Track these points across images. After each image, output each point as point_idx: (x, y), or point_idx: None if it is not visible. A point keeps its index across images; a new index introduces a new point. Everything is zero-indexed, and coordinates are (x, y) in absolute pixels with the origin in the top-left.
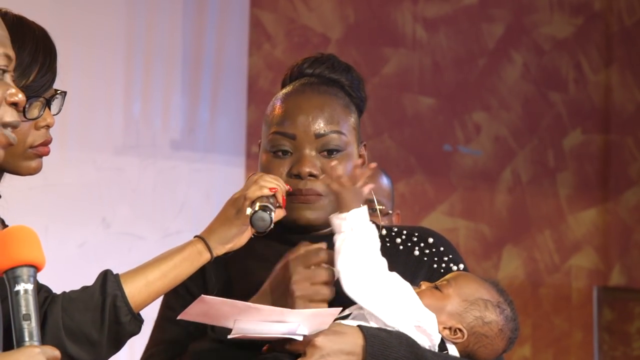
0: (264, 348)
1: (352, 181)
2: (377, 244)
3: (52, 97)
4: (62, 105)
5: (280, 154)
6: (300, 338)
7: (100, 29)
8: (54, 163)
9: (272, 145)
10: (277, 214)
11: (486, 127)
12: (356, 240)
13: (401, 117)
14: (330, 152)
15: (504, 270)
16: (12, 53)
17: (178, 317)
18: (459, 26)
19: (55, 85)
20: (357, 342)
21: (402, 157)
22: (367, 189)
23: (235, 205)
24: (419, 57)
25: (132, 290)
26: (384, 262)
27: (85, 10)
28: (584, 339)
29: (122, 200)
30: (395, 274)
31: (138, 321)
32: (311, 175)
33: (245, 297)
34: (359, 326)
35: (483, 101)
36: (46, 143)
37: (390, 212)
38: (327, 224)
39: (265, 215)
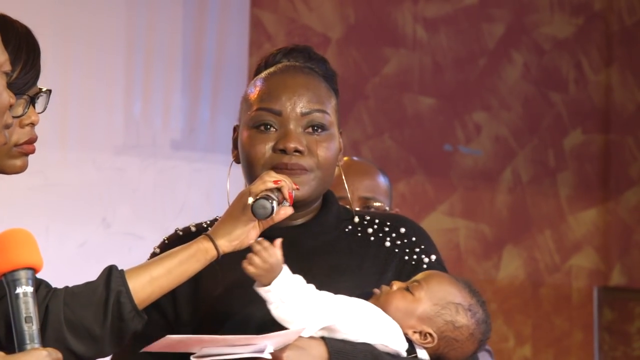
0: None
1: (262, 259)
2: (310, 290)
3: (37, 95)
4: (47, 103)
5: (263, 128)
6: (269, 357)
7: (100, 29)
8: (54, 163)
9: (256, 121)
10: (285, 211)
11: (486, 127)
12: (290, 306)
13: (401, 117)
14: (315, 129)
15: (505, 270)
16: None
17: (142, 350)
18: (459, 26)
19: (56, 85)
20: (322, 355)
21: (403, 157)
22: (279, 256)
23: (241, 202)
24: (419, 57)
25: (136, 286)
26: (326, 296)
27: (85, 10)
28: (584, 339)
29: (123, 200)
30: (342, 297)
31: (141, 318)
32: (297, 151)
33: (211, 295)
34: (323, 339)
35: (483, 101)
36: (31, 141)
37: (388, 208)
38: (311, 200)
39: (266, 203)
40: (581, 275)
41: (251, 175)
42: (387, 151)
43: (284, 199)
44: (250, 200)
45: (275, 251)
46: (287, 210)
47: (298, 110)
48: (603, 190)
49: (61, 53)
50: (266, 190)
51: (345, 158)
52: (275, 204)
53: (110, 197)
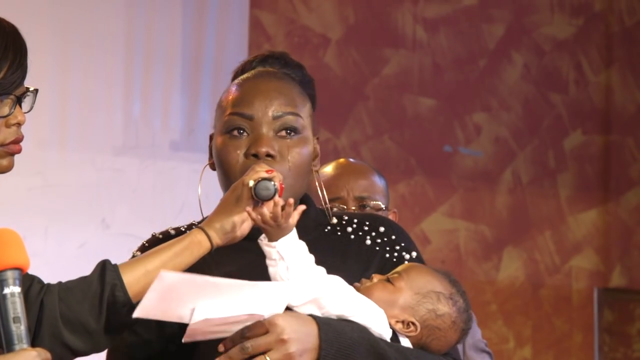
0: (219, 345)
1: (275, 220)
2: (310, 259)
3: (24, 95)
4: (34, 102)
5: (236, 133)
6: (264, 316)
7: (100, 29)
8: (54, 164)
9: (228, 126)
10: (276, 202)
11: (486, 127)
12: (287, 264)
13: (401, 118)
14: (288, 132)
15: (505, 272)
16: None
17: (134, 315)
18: (459, 27)
19: (55, 86)
20: (312, 325)
21: (403, 158)
22: (295, 221)
23: (234, 194)
24: (419, 58)
25: (131, 280)
26: (322, 270)
27: (85, 10)
28: (584, 340)
29: (122, 201)
30: (336, 277)
31: None
32: (268, 155)
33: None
34: (310, 315)
35: (483, 102)
36: (17, 141)
37: (384, 207)
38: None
39: (269, 184)
40: (581, 277)
41: (227, 182)
42: (387, 152)
43: (276, 188)
44: (251, 183)
45: (295, 214)
46: (277, 202)
47: (270, 113)
48: (603, 191)
49: (60, 54)
50: (261, 177)
51: (341, 160)
52: (277, 185)
53: (110, 197)
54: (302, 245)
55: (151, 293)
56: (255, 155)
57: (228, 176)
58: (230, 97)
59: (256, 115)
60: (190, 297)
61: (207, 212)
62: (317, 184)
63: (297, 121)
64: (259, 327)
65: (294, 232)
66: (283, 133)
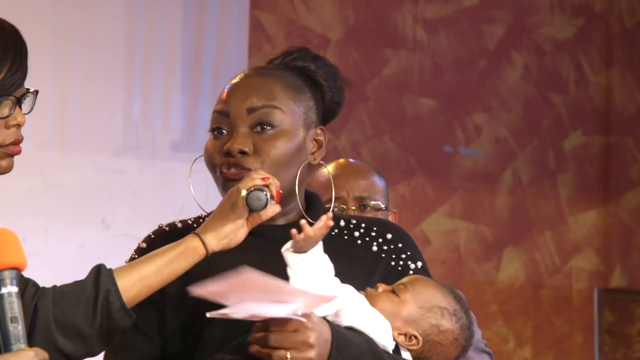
0: (255, 326)
1: (318, 234)
2: (331, 269)
3: (24, 96)
4: (34, 103)
5: (217, 133)
6: (300, 317)
7: (100, 29)
8: (54, 164)
9: (211, 126)
10: (273, 209)
11: (486, 128)
12: (312, 276)
13: (401, 119)
14: (262, 127)
15: (505, 272)
16: None
17: (191, 290)
18: (459, 27)
19: (55, 86)
20: (329, 332)
21: (403, 158)
22: (319, 240)
23: (229, 200)
24: (419, 59)
25: (125, 285)
26: (336, 280)
27: (85, 11)
28: (584, 341)
29: (122, 201)
30: (349, 287)
31: (130, 316)
32: (242, 152)
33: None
34: (324, 318)
35: (483, 102)
36: (17, 142)
37: (384, 207)
38: None
39: (261, 194)
40: (581, 277)
41: (216, 184)
42: (387, 153)
43: (272, 196)
44: (244, 192)
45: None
46: (274, 208)
47: (244, 108)
48: (603, 191)
49: (60, 54)
50: (255, 186)
51: (341, 160)
52: (269, 196)
53: (110, 198)
54: (326, 258)
55: (224, 283)
56: (229, 154)
57: (213, 176)
58: (218, 97)
59: (232, 112)
60: (249, 292)
61: (208, 209)
62: (323, 181)
63: (272, 114)
64: (288, 324)
65: (320, 244)
66: (258, 128)
